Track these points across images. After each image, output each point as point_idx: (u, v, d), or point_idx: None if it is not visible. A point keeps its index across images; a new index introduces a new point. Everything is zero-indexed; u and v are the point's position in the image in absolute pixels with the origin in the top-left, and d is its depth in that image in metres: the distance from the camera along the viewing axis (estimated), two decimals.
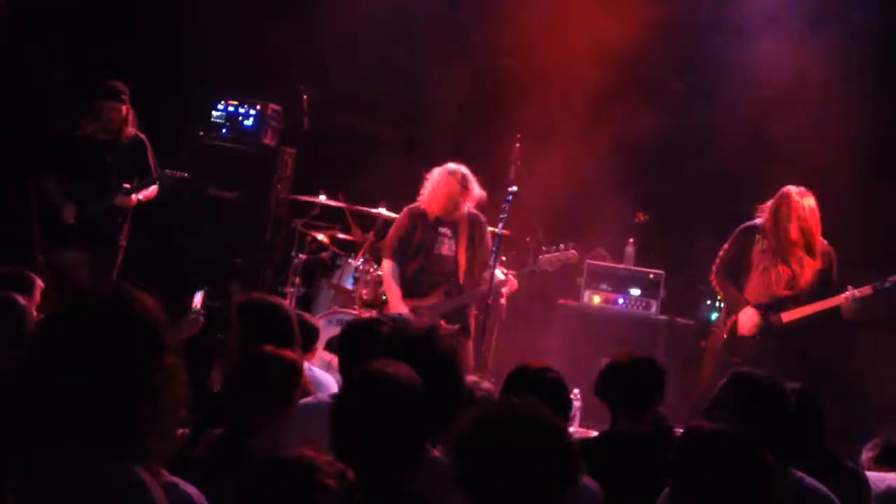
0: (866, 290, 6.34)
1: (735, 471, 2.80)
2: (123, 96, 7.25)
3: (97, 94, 7.26)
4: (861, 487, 3.85)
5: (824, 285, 6.46)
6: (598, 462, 3.53)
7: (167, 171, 7.30)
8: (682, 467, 2.88)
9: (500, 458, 2.41)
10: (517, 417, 2.51)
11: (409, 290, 6.99)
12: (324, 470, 2.05)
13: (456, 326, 6.70)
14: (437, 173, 6.96)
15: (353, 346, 4.25)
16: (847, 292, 6.34)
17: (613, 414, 4.14)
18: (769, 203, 6.55)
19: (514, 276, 6.98)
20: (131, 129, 7.34)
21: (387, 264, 7.09)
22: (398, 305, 6.91)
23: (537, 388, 3.69)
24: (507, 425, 2.51)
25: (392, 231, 7.18)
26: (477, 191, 6.93)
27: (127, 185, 7.23)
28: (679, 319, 7.86)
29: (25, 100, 8.07)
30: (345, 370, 4.31)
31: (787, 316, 6.48)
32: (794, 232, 6.41)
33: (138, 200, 7.31)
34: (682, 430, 3.12)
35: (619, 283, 8.07)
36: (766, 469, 2.82)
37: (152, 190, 7.37)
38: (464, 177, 6.89)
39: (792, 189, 6.46)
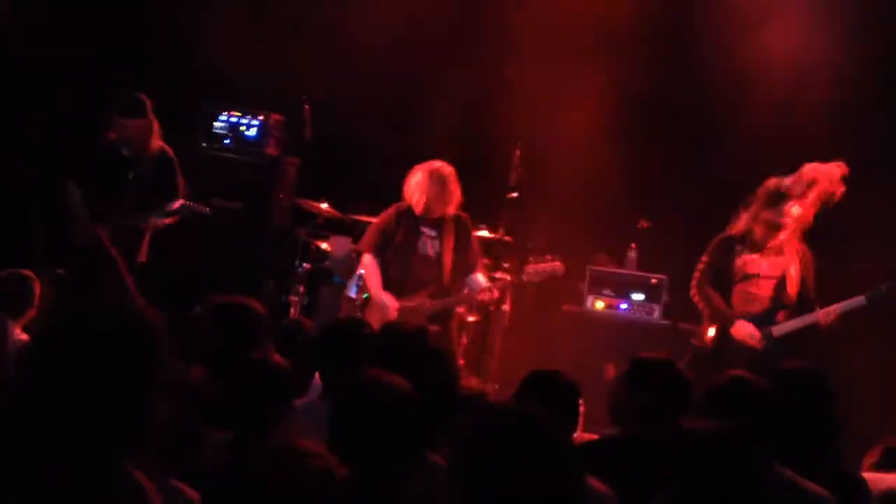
0: (858, 300, 6.20)
1: (721, 469, 2.83)
2: (144, 111, 6.99)
3: (117, 109, 7.00)
4: (861, 491, 3.84)
5: (807, 295, 6.35)
6: (608, 464, 3.54)
7: (189, 203, 7.05)
8: (674, 467, 2.91)
9: (497, 463, 2.42)
10: (515, 422, 2.52)
11: (393, 290, 6.91)
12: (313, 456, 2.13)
13: (436, 328, 6.68)
14: (417, 170, 6.94)
15: (331, 349, 4.24)
16: (825, 309, 6.22)
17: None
18: (751, 206, 6.41)
19: (497, 287, 6.93)
20: (157, 144, 7.08)
21: (366, 258, 6.98)
22: (381, 294, 6.82)
23: (548, 394, 3.71)
24: (505, 431, 2.51)
25: (373, 226, 7.12)
26: (455, 191, 6.87)
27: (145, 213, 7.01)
28: (682, 324, 7.86)
29: (36, 109, 8.09)
30: (324, 372, 4.26)
31: (778, 330, 6.36)
32: (778, 234, 6.31)
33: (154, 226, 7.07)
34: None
35: (622, 288, 8.09)
36: (753, 467, 2.86)
37: (169, 219, 7.13)
38: (440, 175, 6.85)
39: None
